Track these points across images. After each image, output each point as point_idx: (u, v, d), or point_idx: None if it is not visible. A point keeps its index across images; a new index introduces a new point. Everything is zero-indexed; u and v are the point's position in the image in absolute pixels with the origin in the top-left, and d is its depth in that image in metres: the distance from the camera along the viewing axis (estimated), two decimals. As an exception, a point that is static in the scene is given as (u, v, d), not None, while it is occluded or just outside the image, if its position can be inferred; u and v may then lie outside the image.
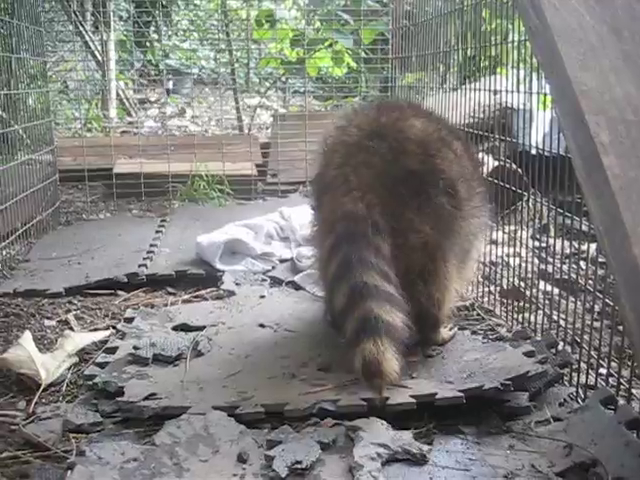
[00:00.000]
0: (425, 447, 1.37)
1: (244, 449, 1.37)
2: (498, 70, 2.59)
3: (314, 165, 1.95)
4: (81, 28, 5.45)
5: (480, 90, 2.51)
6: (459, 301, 2.21)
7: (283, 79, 5.28)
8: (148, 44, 7.09)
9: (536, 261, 2.16)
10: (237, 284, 2.42)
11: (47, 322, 2.15)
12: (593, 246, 2.45)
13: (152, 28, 7.11)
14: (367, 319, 1.50)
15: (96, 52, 5.64)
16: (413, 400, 1.50)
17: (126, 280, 2.47)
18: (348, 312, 1.55)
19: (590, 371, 1.63)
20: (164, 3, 6.49)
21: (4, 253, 2.71)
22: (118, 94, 6.11)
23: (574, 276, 1.74)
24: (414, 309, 1.73)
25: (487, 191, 1.98)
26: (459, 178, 1.74)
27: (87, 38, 5.59)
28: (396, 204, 1.67)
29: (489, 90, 2.39)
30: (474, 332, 1.97)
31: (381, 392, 1.49)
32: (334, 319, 1.84)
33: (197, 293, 2.41)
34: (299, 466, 1.30)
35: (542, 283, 2.14)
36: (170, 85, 6.79)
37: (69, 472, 1.29)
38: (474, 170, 1.89)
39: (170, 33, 7.19)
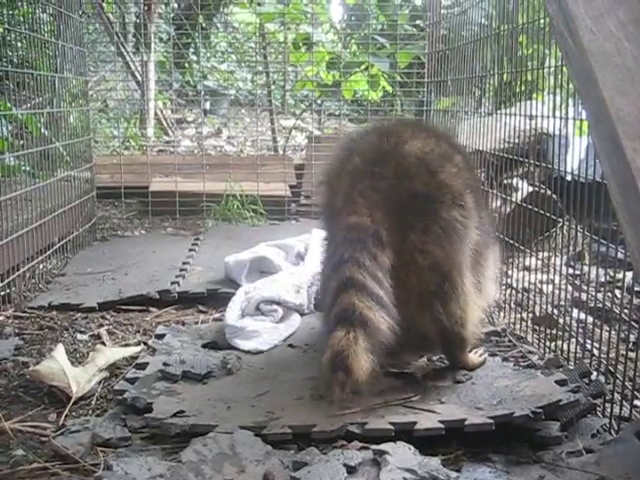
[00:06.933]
0: (453, 474, 1.35)
1: (270, 470, 1.36)
2: (534, 95, 2.58)
3: (321, 196, 1.93)
4: (122, 49, 5.58)
5: (516, 115, 2.50)
6: (489, 325, 2.19)
7: (318, 101, 5.32)
8: (187, 65, 7.22)
9: (570, 288, 2.13)
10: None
11: (80, 336, 2.18)
12: (629, 274, 2.42)
13: (191, 50, 7.24)
14: (345, 310, 1.45)
15: (136, 72, 5.76)
16: (441, 425, 1.48)
17: (158, 297, 2.49)
18: (331, 308, 1.49)
19: (624, 402, 1.59)
20: (204, 26, 6.61)
21: (41, 267, 2.77)
22: (156, 113, 6.22)
23: (609, 304, 1.71)
24: (437, 331, 1.73)
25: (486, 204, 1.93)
26: (466, 189, 1.73)
27: (128, 59, 5.72)
28: (402, 226, 1.65)
29: (525, 115, 2.38)
30: (505, 359, 1.94)
31: (343, 390, 1.39)
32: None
33: (228, 312, 2.42)
34: (324, 488, 1.29)
35: (576, 311, 2.10)
36: (207, 106, 6.90)
37: (96, 486, 1.30)
38: (475, 182, 1.89)
39: (209, 55, 7.30)
